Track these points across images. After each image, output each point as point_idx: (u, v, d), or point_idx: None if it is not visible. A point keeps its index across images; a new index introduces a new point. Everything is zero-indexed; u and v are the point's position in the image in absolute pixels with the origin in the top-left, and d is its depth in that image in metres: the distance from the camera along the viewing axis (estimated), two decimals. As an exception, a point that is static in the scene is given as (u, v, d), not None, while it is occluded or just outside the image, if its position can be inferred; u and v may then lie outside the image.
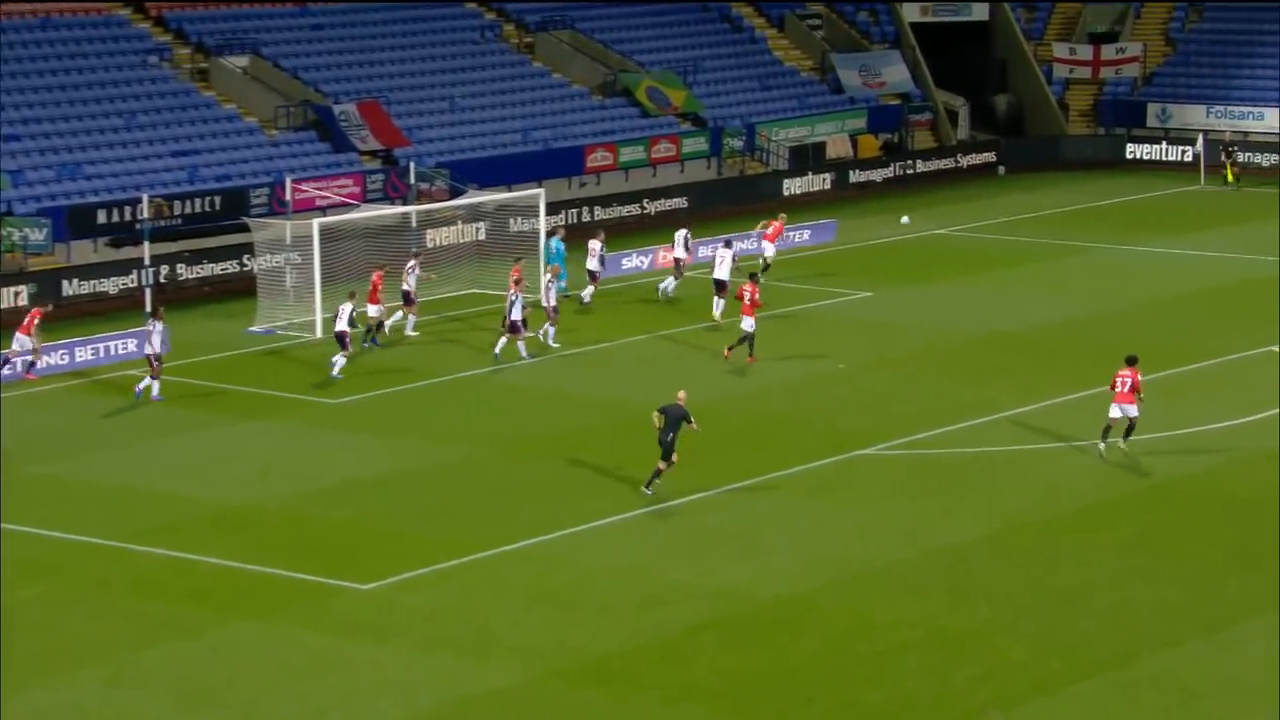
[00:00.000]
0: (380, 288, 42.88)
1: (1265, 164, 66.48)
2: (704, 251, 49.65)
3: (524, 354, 41.60)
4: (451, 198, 53.75)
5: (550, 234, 49.05)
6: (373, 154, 57.44)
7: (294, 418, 38.14)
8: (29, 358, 40.55)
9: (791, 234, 54.54)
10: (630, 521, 31.60)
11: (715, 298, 44.67)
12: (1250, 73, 70.43)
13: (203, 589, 28.66)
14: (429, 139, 59.08)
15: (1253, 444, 35.10)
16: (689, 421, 32.18)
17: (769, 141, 65.40)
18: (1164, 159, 68.09)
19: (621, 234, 56.96)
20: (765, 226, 50.07)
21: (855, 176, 65.72)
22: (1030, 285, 49.56)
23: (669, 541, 30.69)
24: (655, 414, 32.35)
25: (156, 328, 39.19)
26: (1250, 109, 69.02)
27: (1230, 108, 69.31)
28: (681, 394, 33.00)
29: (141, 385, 38.90)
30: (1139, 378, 34.21)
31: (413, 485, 33.85)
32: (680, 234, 49.25)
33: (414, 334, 44.51)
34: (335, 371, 40.59)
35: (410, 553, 30.07)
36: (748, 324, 40.89)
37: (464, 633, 26.99)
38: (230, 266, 50.31)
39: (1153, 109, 70.84)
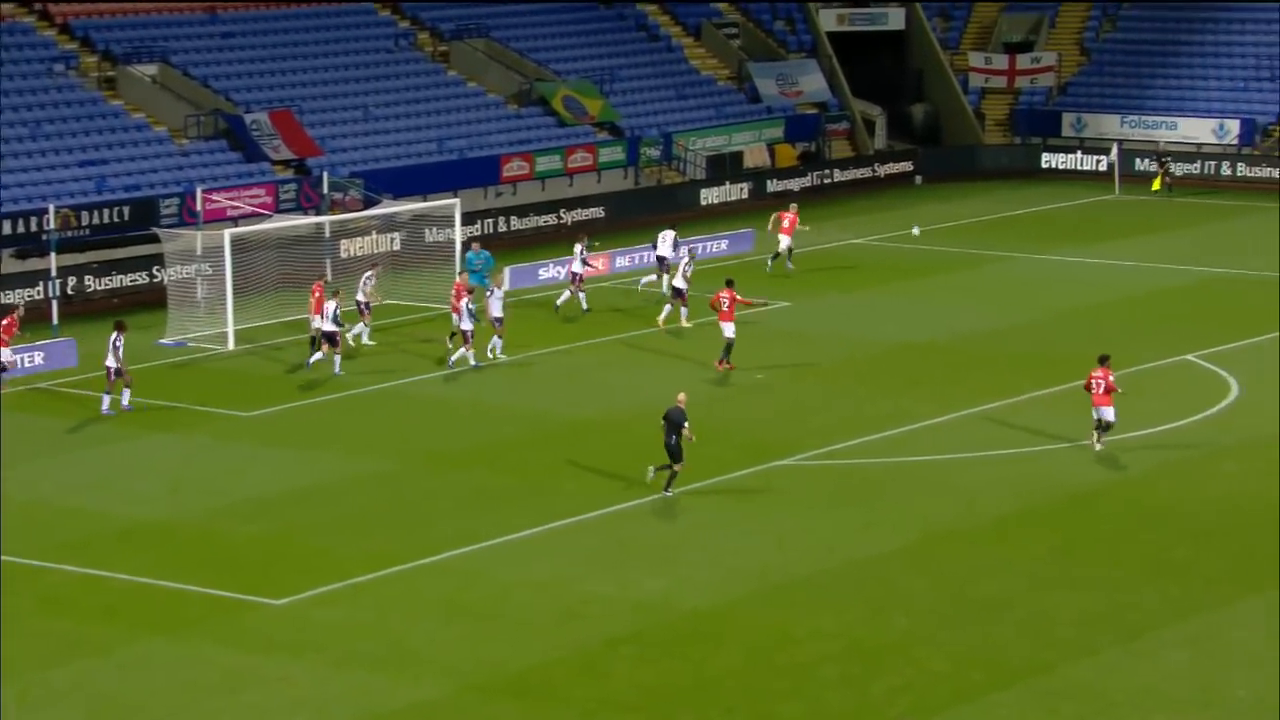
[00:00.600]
0: (321, 298, 42.55)
1: (1179, 173, 67.18)
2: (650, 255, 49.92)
3: (479, 359, 41.72)
4: (366, 208, 53.57)
5: (466, 245, 48.94)
6: (285, 164, 57.13)
7: (205, 431, 37.86)
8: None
9: (708, 244, 54.73)
10: (549, 534, 31.57)
11: (672, 304, 45.01)
12: (1164, 82, 71.24)
13: (113, 606, 28.39)
14: (343, 148, 58.83)
15: (1166, 453, 35.47)
16: (685, 426, 32.54)
17: (686, 151, 65.55)
18: (1079, 168, 68.75)
19: (538, 244, 56.97)
20: (779, 220, 52.17)
21: (773, 186, 65.95)
22: (947, 295, 49.89)
23: (588, 554, 30.68)
24: (661, 421, 32.95)
25: (120, 341, 38.91)
26: (1164, 118, 69.79)
27: (1144, 117, 70.07)
28: (681, 396, 33.40)
29: (109, 400, 38.74)
30: (1110, 378, 34.77)
31: (328, 499, 33.66)
32: (667, 234, 49.45)
33: (370, 343, 44.14)
34: (336, 369, 41.56)
35: (325, 567, 29.91)
36: (729, 330, 40.89)
37: (380, 648, 26.86)
38: (140, 278, 49.92)
39: (1068, 118, 71.51)
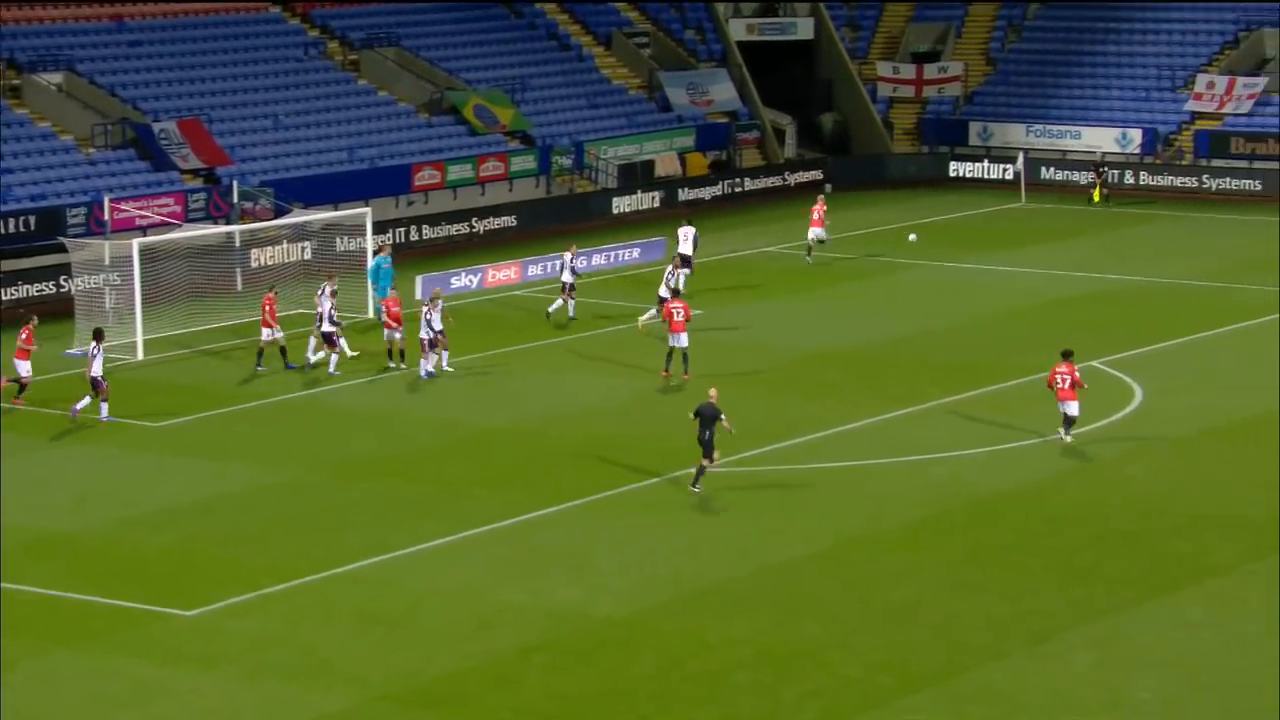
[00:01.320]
0: (274, 310, 42.14)
1: (1083, 181, 67.89)
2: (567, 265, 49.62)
3: (435, 369, 41.64)
4: (276, 217, 53.26)
5: (376, 251, 48.74)
6: (194, 173, 56.69)
7: (113, 442, 37.47)
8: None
9: (620, 252, 54.79)
10: (461, 543, 31.46)
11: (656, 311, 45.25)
12: (1068, 92, 71.95)
13: (19, 618, 28.02)
14: (252, 157, 58.44)
15: (1072, 459, 35.77)
16: (722, 418, 32.96)
17: (598, 159, 65.58)
18: (986, 177, 69.31)
19: (450, 253, 56.83)
20: (810, 213, 54.74)
21: (684, 194, 66.11)
22: (857, 302, 50.14)
23: (500, 562, 30.59)
24: (690, 416, 33.40)
25: (99, 350, 38.63)
26: (1068, 128, 70.50)
27: (1049, 126, 70.75)
28: (713, 391, 33.78)
29: (81, 405, 38.44)
30: (1076, 373, 35.34)
31: (238, 509, 33.40)
32: (687, 230, 50.13)
33: (391, 364, 43.39)
34: (332, 368, 41.96)
35: (236, 578, 29.67)
36: (682, 340, 40.78)
37: (291, 658, 26.67)
38: (47, 288, 49.39)
39: (974, 127, 72.09)
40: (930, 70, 74.49)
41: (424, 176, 60.64)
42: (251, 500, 33.86)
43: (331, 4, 66.64)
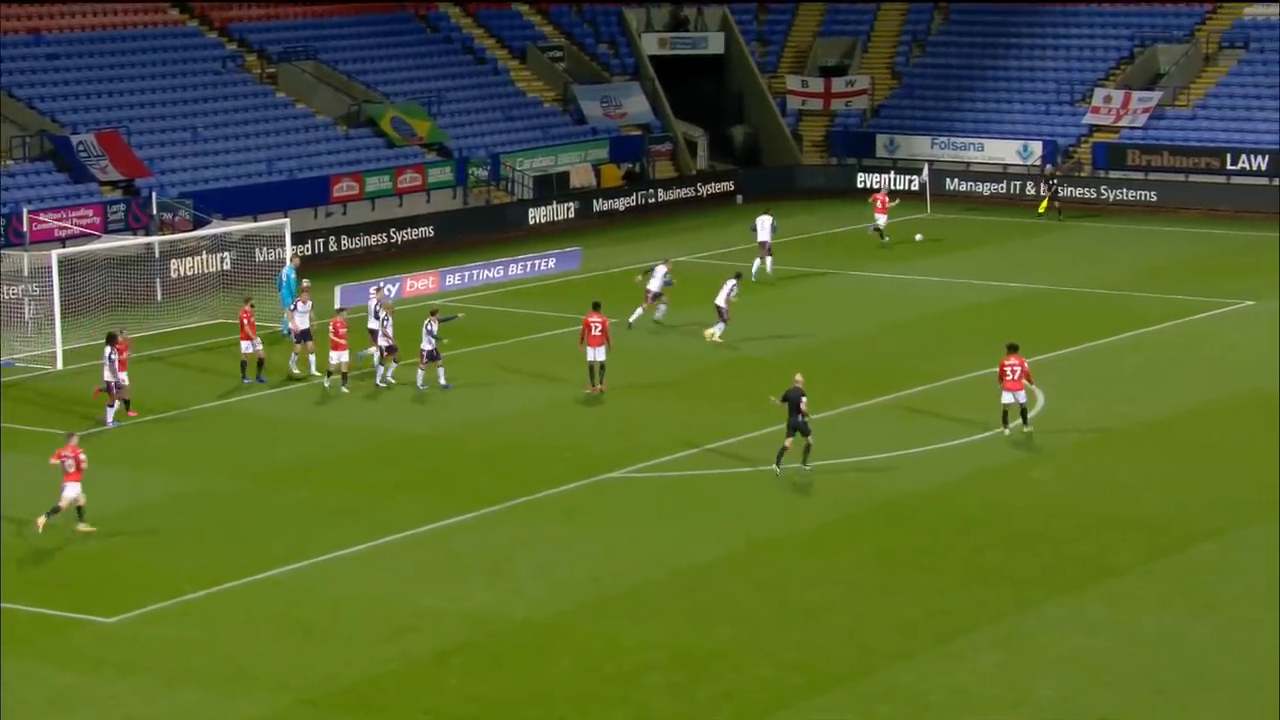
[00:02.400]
0: (252, 322, 41.21)
1: (986, 192, 68.45)
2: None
3: (441, 382, 41.07)
4: (195, 228, 52.89)
5: (289, 261, 48.44)
6: (113, 184, 56.15)
7: (33, 451, 36.99)
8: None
9: (536, 262, 54.73)
10: (380, 549, 31.30)
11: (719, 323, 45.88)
12: (971, 105, 72.50)
13: (-60, 628, 27.66)
14: (171, 169, 57.97)
15: (980, 461, 36.02)
16: (803, 402, 34.35)
17: (514, 171, 65.50)
18: (892, 188, 69.61)
19: (368, 263, 56.60)
20: (873, 202, 58.77)
21: (599, 205, 66.15)
22: (768, 310, 50.26)
23: (418, 568, 30.46)
24: (774, 399, 34.87)
25: (114, 357, 38.20)
26: (971, 140, 71.03)
27: (953, 139, 71.26)
28: (799, 376, 34.88)
29: (113, 411, 38.22)
30: (1025, 364, 36.43)
31: (158, 517, 33.10)
32: (764, 219, 51.89)
33: (297, 371, 42.86)
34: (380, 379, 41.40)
35: (156, 585, 29.40)
36: (600, 354, 40.54)
37: (211, 664, 26.45)
38: (-34, 298, 48.75)
39: (881, 139, 72.51)
40: (838, 84, 74.87)
41: (342, 188, 60.36)
42: (172, 508, 33.56)
43: (249, 16, 66.23)
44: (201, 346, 45.89)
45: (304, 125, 62.95)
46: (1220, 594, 28.81)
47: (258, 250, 51.78)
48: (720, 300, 45.84)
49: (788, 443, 34.46)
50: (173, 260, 51.19)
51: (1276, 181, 65.02)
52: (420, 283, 51.91)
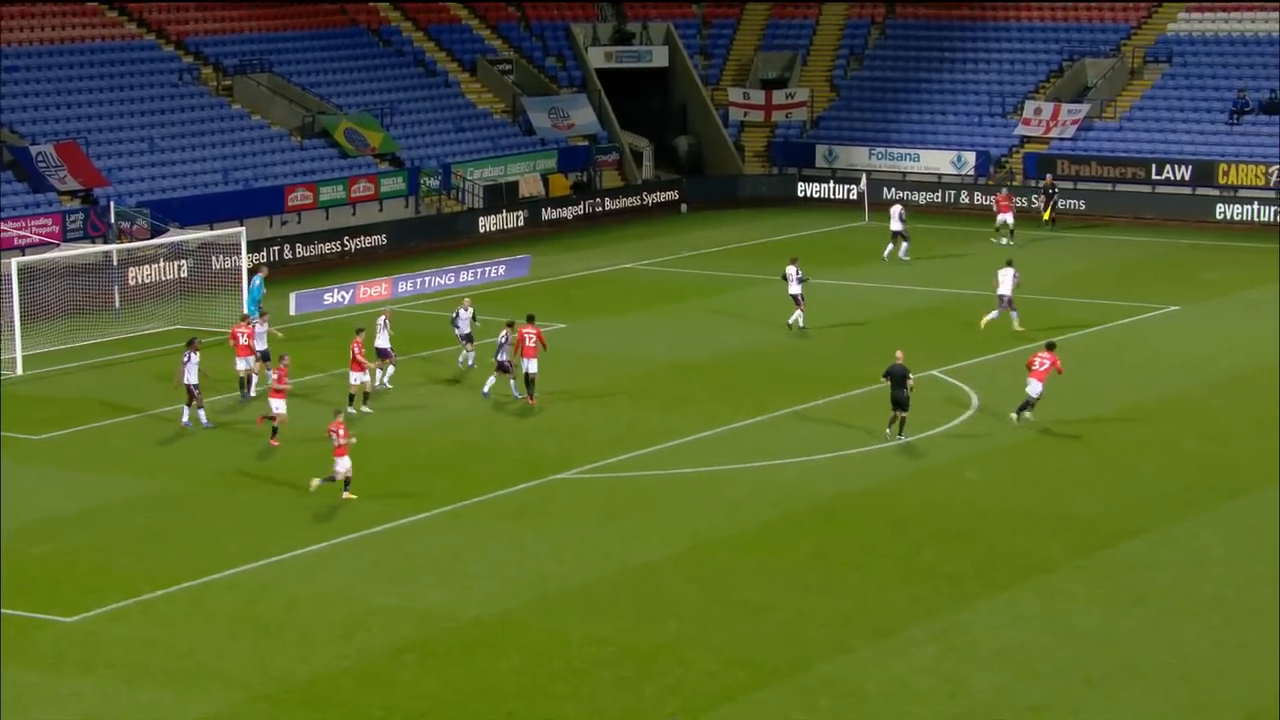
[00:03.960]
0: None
1: (923, 201, 68.73)
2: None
3: (514, 392, 40.41)
4: (153, 236, 52.59)
5: (253, 271, 48.24)
6: (72, 194, 55.77)
7: (-5, 455, 36.76)
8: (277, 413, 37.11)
9: (486, 269, 54.64)
10: (334, 549, 31.19)
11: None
12: (907, 117, 72.82)
13: (-98, 628, 27.40)
14: (129, 179, 57.63)
15: (914, 462, 36.16)
16: (910, 378, 36.21)
17: (464, 180, 65.40)
18: (832, 197, 69.99)
19: (323, 270, 56.40)
20: (996, 203, 60.40)
21: (547, 214, 66.12)
22: (712, 316, 50.36)
23: (372, 567, 30.37)
24: (882, 378, 36.75)
25: (193, 359, 37.90)
26: (907, 150, 71.33)
27: (890, 149, 71.56)
28: (899, 353, 36.76)
29: (187, 416, 38.03)
30: (1059, 362, 37.32)
31: (117, 519, 32.89)
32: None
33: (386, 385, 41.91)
34: (485, 389, 40.68)
35: (115, 585, 29.21)
36: (532, 366, 40.25)
37: (169, 662, 26.29)
38: (-72, 305, 48.31)
39: (821, 150, 72.74)
40: (778, 96, 75.08)
41: (297, 197, 60.14)
42: (129, 510, 33.36)
43: (205, 30, 65.93)
44: (159, 352, 45.60)
45: (259, 136, 62.68)
46: (1147, 588, 29.01)
47: (214, 258, 51.53)
48: (1005, 290, 46.95)
49: (900, 414, 36.51)
50: (130, 268, 50.88)
51: (1199, 191, 65.55)
52: (373, 289, 51.74)
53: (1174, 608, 28.11)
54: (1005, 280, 47.34)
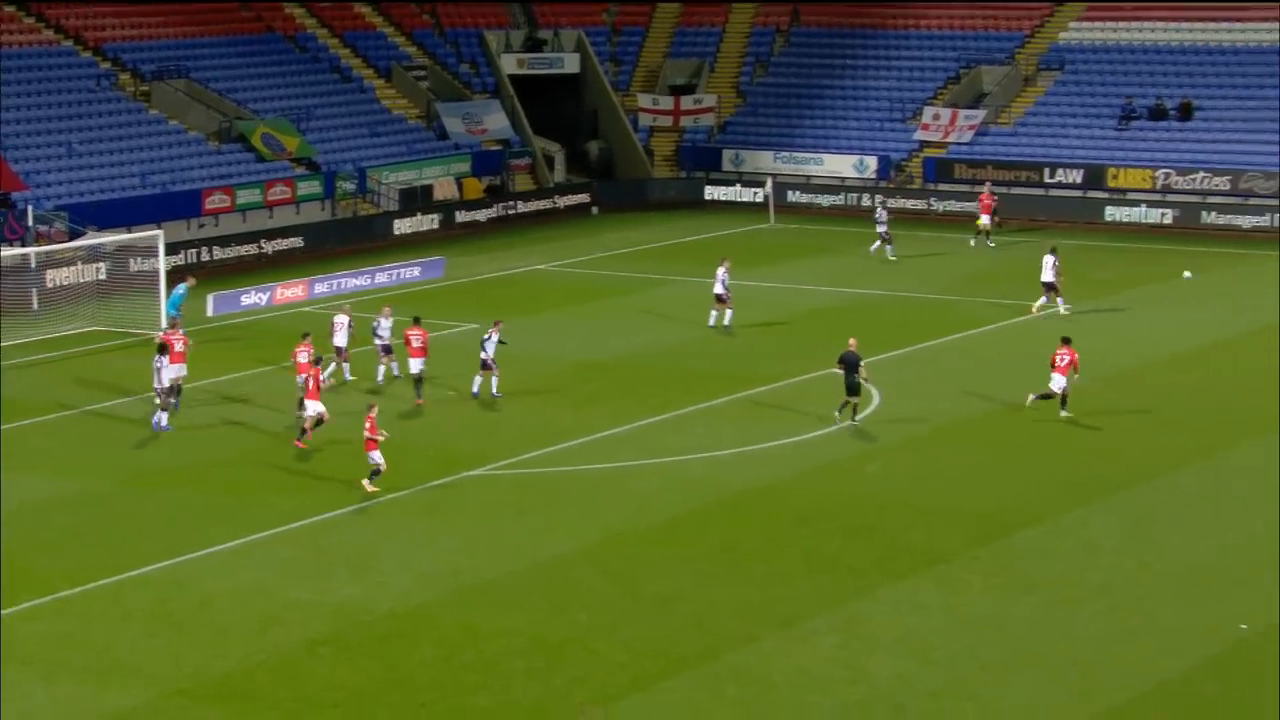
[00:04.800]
0: (181, 348, 38.50)
1: (826, 204, 69.01)
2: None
3: (494, 392, 40.19)
4: (71, 240, 51.92)
5: (178, 278, 47.62)
6: (-10, 197, 54.99)
7: (-87, 455, 36.15)
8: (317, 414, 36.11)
9: (401, 271, 54.34)
10: (250, 545, 30.88)
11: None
12: (811, 123, 73.10)
13: None
14: (47, 183, 56.88)
15: (817, 457, 36.26)
16: (861, 365, 36.87)
17: (380, 184, 65.03)
18: (738, 200, 70.10)
19: (240, 273, 55.91)
20: (980, 200, 59.92)
21: (461, 217, 65.86)
22: (623, 316, 50.33)
23: (288, 563, 30.09)
24: (836, 365, 37.20)
25: (164, 363, 37.35)
26: (811, 155, 71.60)
27: (794, 153, 71.79)
28: (853, 340, 37.35)
29: (158, 417, 37.42)
30: (1076, 356, 37.76)
31: (34, 518, 32.40)
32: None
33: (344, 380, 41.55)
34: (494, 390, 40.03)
35: (32, 583, 28.78)
36: (417, 366, 39.97)
37: (86, 658, 25.93)
38: None
39: (727, 154, 72.87)
40: (686, 102, 75.17)
41: (214, 201, 59.58)
42: (47, 510, 32.89)
43: (123, 36, 65.17)
44: (78, 353, 45.01)
45: (177, 141, 62.04)
46: (1039, 577, 29.23)
47: (132, 261, 50.94)
48: (1047, 275, 48.06)
49: (855, 400, 37.05)
50: (49, 270, 50.19)
51: (1089, 193, 66.22)
52: (290, 291, 51.34)
53: (1064, 595, 28.35)
54: (1047, 267, 48.98)
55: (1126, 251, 59.18)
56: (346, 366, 41.69)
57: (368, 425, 33.29)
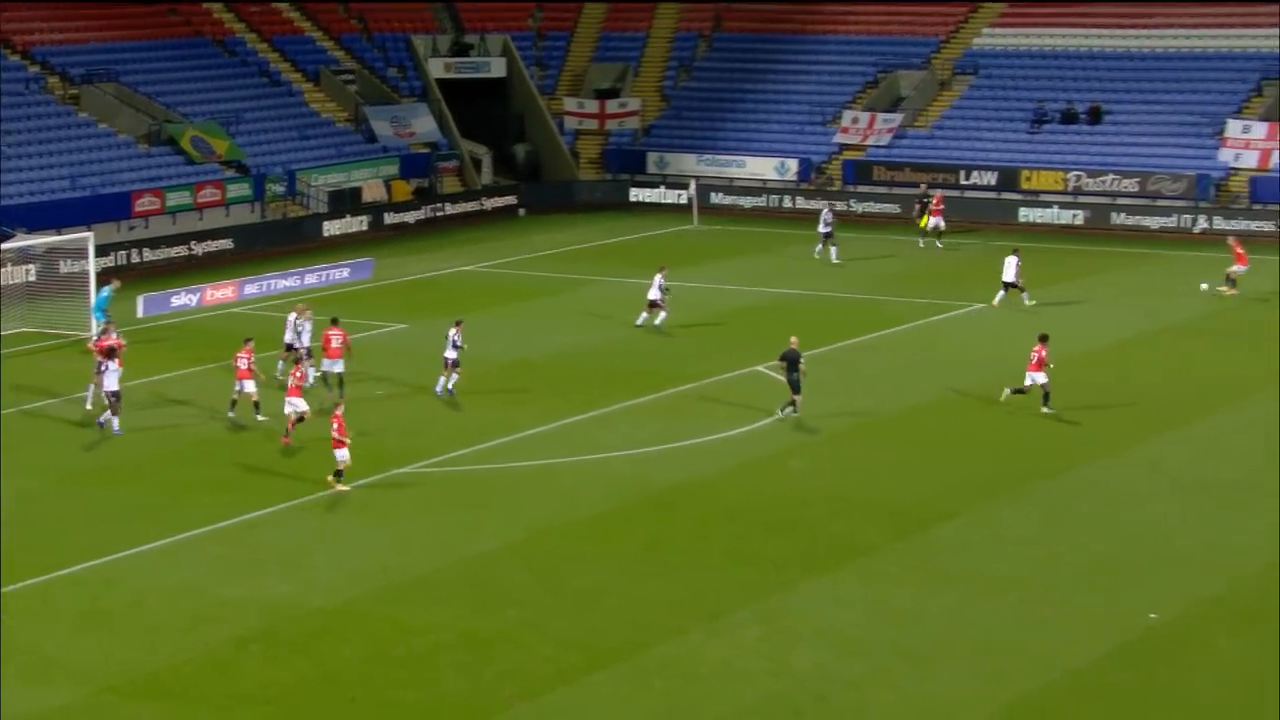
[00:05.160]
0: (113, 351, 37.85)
1: (748, 206, 69.24)
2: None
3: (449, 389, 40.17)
4: (1, 242, 51.31)
5: (105, 282, 47.18)
6: (-81, 200, 54.28)
7: None
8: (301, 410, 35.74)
9: (331, 272, 54.09)
10: (181, 543, 30.64)
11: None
12: (734, 126, 73.32)
13: None
14: (-23, 185, 56.22)
15: (743, 453, 36.38)
16: (802, 361, 37.14)
17: (309, 186, 64.67)
18: (662, 201, 70.20)
19: (170, 274, 55.46)
20: (934, 203, 59.76)
21: (390, 218, 65.62)
22: (549, 315, 50.29)
23: (218, 561, 29.88)
24: (778, 361, 37.30)
25: (111, 367, 36.70)
26: (733, 157, 71.84)
27: (717, 156, 71.99)
28: (794, 339, 37.93)
29: (117, 425, 36.70)
30: (1044, 353, 38.18)
31: (-35, 518, 32.01)
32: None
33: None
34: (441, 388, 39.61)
35: (-37, 584, 28.43)
36: (337, 366, 39.76)
37: (17, 656, 25.64)
38: None
39: (652, 157, 72.98)
40: (611, 105, 75.22)
41: (144, 203, 59.07)
42: (-22, 509, 32.49)
43: (52, 40, 64.51)
44: (9, 354, 44.49)
45: (106, 144, 61.46)
46: (956, 569, 29.46)
47: (62, 263, 50.42)
48: (1009, 276, 48.62)
49: (796, 398, 37.23)
50: (-24, 272, 49.63)
51: (1004, 195, 66.78)
52: (220, 292, 50.98)
53: (979, 587, 28.59)
54: (1009, 267, 49.73)
55: (1039, 251, 59.71)
56: (312, 370, 41.31)
57: (335, 425, 32.99)
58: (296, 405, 36.09)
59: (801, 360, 37.47)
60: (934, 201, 60.36)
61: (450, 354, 40.18)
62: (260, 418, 37.99)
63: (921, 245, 59.57)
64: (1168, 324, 48.08)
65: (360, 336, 46.43)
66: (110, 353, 37.53)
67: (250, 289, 51.62)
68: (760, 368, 42.76)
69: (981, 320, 49.23)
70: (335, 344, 39.89)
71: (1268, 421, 37.79)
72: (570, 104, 75.56)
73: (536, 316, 50.25)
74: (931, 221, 59.81)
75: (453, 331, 40.25)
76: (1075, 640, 26.21)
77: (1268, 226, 61.64)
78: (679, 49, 77.38)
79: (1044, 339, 38.87)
